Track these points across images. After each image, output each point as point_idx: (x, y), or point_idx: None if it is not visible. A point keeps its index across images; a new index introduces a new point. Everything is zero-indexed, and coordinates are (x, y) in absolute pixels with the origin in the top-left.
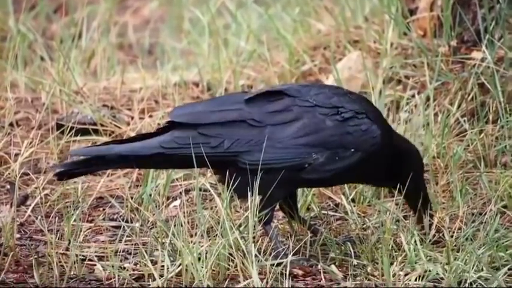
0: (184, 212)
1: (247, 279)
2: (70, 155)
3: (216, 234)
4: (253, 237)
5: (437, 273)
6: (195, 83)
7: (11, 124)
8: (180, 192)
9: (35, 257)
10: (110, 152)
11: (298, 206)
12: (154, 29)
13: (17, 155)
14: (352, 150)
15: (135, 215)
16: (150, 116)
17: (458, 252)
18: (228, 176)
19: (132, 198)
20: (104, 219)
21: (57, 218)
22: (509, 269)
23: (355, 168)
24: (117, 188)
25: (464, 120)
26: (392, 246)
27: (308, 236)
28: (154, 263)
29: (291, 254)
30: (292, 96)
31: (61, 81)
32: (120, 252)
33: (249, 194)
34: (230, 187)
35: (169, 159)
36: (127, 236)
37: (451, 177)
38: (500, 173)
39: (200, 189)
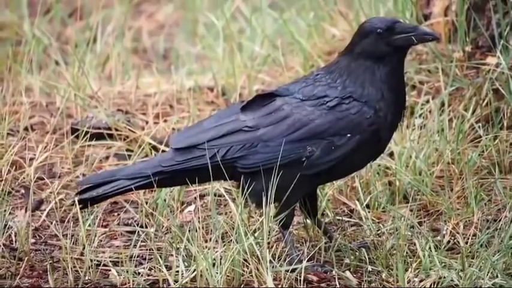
0: (199, 217)
1: (262, 284)
2: (79, 185)
3: (231, 240)
4: (268, 243)
5: (452, 280)
6: (210, 88)
7: (25, 128)
8: (195, 198)
9: (50, 261)
10: (115, 176)
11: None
12: (169, 33)
13: (31, 159)
14: (348, 135)
15: (149, 220)
16: (165, 121)
17: (473, 258)
18: (241, 183)
19: (146, 203)
20: (118, 224)
21: (72, 222)
22: None
23: (358, 151)
24: (132, 193)
25: (479, 126)
26: (407, 253)
27: (323, 241)
28: (169, 268)
29: (306, 259)
30: (282, 95)
31: (76, 85)
32: (134, 257)
33: (263, 198)
34: (244, 194)
35: (171, 176)
36: (142, 241)
37: (466, 184)
38: None
39: (215, 195)
